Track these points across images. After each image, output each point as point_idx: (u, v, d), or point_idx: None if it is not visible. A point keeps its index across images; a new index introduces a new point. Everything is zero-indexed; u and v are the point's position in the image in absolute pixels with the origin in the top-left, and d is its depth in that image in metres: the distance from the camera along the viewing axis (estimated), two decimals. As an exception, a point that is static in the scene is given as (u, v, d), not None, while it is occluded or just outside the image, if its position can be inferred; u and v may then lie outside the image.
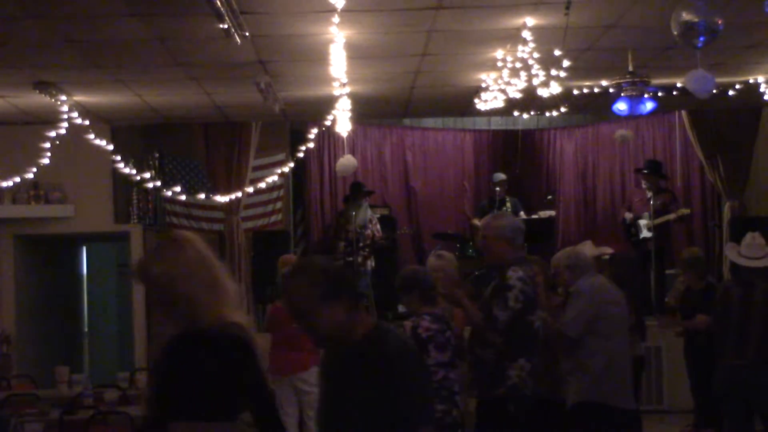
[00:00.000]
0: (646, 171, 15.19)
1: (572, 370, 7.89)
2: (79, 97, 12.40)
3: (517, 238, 7.24)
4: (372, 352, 4.27)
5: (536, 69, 10.40)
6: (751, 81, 12.75)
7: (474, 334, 7.40)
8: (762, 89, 12.87)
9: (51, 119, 12.84)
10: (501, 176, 16.29)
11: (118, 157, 13.56)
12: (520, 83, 11.16)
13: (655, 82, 11.18)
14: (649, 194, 14.95)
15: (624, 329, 8.07)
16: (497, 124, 17.22)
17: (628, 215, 15.29)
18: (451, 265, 9.01)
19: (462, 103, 13.51)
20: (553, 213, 16.37)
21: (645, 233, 14.85)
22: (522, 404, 6.99)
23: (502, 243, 7.24)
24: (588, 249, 9.46)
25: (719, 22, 7.95)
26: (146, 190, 14.46)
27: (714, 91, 9.93)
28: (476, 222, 15.87)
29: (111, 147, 13.55)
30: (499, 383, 7.01)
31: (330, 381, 4.49)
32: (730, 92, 13.05)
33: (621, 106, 11.13)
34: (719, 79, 10.88)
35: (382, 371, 4.21)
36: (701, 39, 7.98)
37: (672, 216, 14.87)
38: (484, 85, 12.13)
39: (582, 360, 7.76)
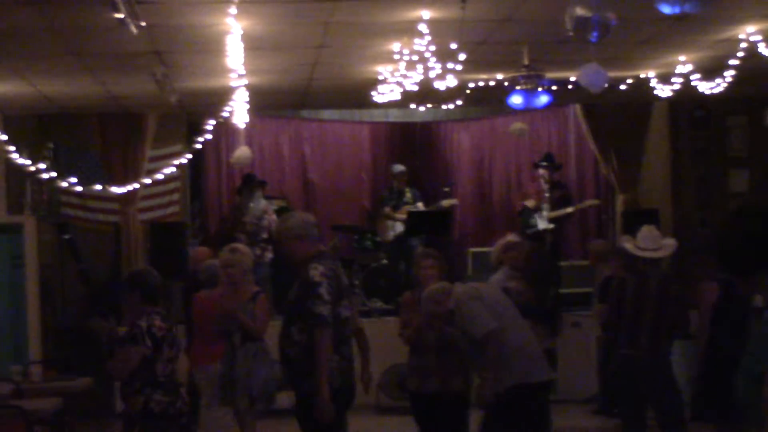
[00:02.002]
0: (545, 164, 15.30)
1: (484, 365, 7.97)
2: (-31, 87, 12.22)
3: (310, 234, 7.32)
4: None
5: (433, 62, 10.44)
6: (642, 76, 12.95)
7: (282, 333, 7.40)
8: (652, 84, 13.07)
9: (-60, 109, 12.68)
10: (400, 168, 16.35)
11: (11, 147, 13.38)
12: (417, 76, 11.20)
13: (550, 75, 11.30)
14: (546, 187, 15.10)
15: (511, 312, 8.13)
16: (395, 116, 17.23)
17: (530, 202, 15.33)
18: (246, 258, 9.18)
19: (359, 95, 13.54)
20: (456, 202, 16.48)
21: (542, 225, 15.00)
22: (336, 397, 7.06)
23: (296, 242, 7.30)
24: None
25: (612, 17, 8.06)
26: (40, 181, 14.26)
27: (606, 85, 10.06)
28: (387, 210, 15.98)
29: (4, 137, 13.36)
30: (306, 379, 7.06)
31: None
32: (622, 87, 13.25)
33: (516, 100, 11.24)
34: (611, 74, 11.01)
35: None
36: (594, 34, 8.08)
37: (571, 209, 15.05)
38: (381, 77, 12.17)
39: (489, 354, 7.84)
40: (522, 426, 7.95)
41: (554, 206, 14.94)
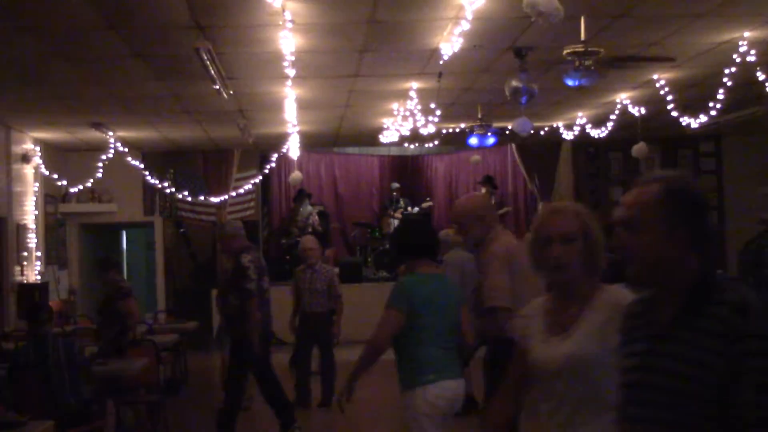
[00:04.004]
0: (483, 182, 15.38)
1: None
2: (120, 133, 12.23)
3: (239, 234, 7.36)
4: None
5: (419, 116, 10.46)
6: (554, 125, 12.97)
7: (221, 299, 7.50)
8: (561, 130, 13.08)
9: (102, 147, 12.70)
10: (397, 185, 16.58)
11: (147, 172, 13.43)
12: (409, 125, 11.22)
13: (495, 124, 11.31)
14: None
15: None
16: (394, 151, 17.20)
17: None
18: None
19: (372, 137, 13.53)
20: (432, 203, 16.67)
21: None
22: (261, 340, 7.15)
23: (231, 240, 7.35)
24: None
25: (535, 88, 8.08)
26: (165, 193, 14.31)
27: (532, 131, 10.08)
28: (388, 212, 16.05)
29: (142, 166, 13.41)
30: (239, 329, 7.11)
31: None
32: (542, 132, 13.25)
33: (473, 141, 11.22)
34: (535, 124, 11.04)
35: None
36: (524, 98, 8.09)
37: (501, 211, 15.09)
38: (385, 126, 12.18)
39: None
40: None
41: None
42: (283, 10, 6.25)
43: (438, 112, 10.04)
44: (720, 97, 9.29)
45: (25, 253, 11.73)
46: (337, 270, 9.86)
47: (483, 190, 15.34)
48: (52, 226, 13.11)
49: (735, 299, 2.11)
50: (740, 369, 2.04)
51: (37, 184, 12.44)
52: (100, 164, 12.86)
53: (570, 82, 7.21)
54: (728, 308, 2.10)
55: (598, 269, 2.80)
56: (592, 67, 6.90)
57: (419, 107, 10.06)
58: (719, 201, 15.04)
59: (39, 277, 12.05)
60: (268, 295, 7.44)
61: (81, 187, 13.33)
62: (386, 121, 11.88)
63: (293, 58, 7.48)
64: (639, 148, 11.56)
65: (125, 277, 13.64)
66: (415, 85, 9.37)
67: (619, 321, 2.42)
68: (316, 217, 15.25)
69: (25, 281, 11.49)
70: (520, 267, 4.20)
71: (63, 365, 5.99)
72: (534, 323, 2.84)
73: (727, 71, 8.50)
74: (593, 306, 2.74)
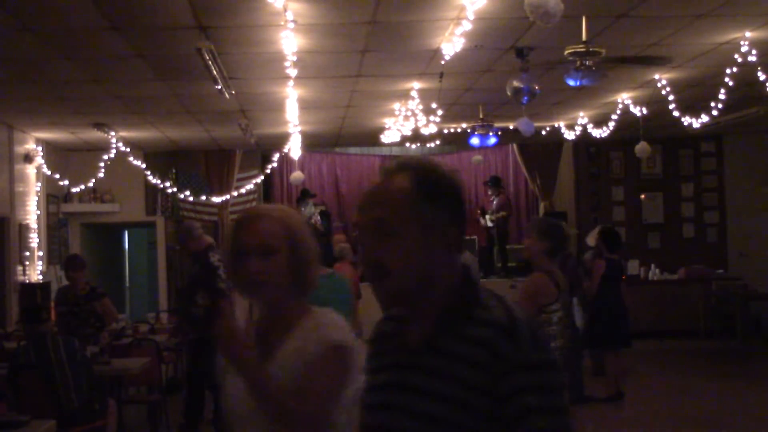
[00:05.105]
0: (489, 182, 15.34)
1: None
2: (123, 133, 12.23)
3: (203, 236, 7.51)
4: None
5: (420, 116, 10.45)
6: (556, 125, 12.95)
7: (188, 299, 7.33)
8: (562, 130, 13.07)
9: (104, 147, 12.71)
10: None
11: (148, 172, 13.42)
12: (410, 125, 11.22)
13: (497, 125, 11.30)
14: (492, 198, 15.11)
15: None
16: (396, 151, 17.17)
17: (482, 220, 15.28)
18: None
19: (373, 137, 13.53)
20: None
21: (488, 224, 15.06)
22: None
23: (198, 240, 7.55)
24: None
25: (537, 88, 8.07)
26: (167, 193, 14.31)
27: (533, 131, 10.08)
28: None
29: (144, 166, 13.39)
30: (206, 328, 7.02)
31: None
32: (543, 132, 13.24)
33: (475, 141, 11.21)
34: (536, 124, 11.04)
35: None
36: (525, 98, 8.08)
37: (503, 213, 15.07)
38: (387, 126, 12.17)
39: None
40: None
41: (494, 212, 14.97)
42: (285, 11, 6.24)
43: (439, 112, 10.04)
44: (721, 97, 9.28)
45: (27, 253, 11.73)
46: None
47: (489, 191, 15.33)
48: (54, 226, 13.12)
49: (502, 318, 1.64)
50: (513, 411, 1.57)
51: (40, 184, 12.45)
52: (102, 164, 12.87)
53: (571, 82, 7.21)
54: (493, 330, 1.62)
55: (308, 287, 2.31)
56: (593, 68, 6.90)
57: (421, 107, 10.06)
58: (720, 201, 15.04)
59: (41, 277, 12.05)
60: (233, 297, 7.41)
61: (83, 186, 13.33)
62: (388, 121, 11.87)
63: (295, 59, 7.48)
64: (641, 148, 11.55)
65: (127, 276, 13.71)
66: (416, 85, 9.37)
67: (316, 354, 2.05)
68: (318, 217, 15.25)
69: (27, 281, 11.49)
70: None
71: (64, 364, 5.99)
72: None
73: (728, 71, 8.50)
74: (294, 335, 2.24)
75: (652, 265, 14.44)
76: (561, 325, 4.79)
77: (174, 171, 14.67)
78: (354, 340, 2.21)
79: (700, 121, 10.29)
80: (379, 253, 1.71)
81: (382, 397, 1.74)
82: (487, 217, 15.07)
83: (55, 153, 13.12)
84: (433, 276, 1.72)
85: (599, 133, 12.55)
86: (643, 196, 15.10)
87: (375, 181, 1.79)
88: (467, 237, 13.39)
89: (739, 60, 8.09)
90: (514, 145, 15.72)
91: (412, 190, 1.72)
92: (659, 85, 9.60)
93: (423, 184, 1.72)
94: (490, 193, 15.34)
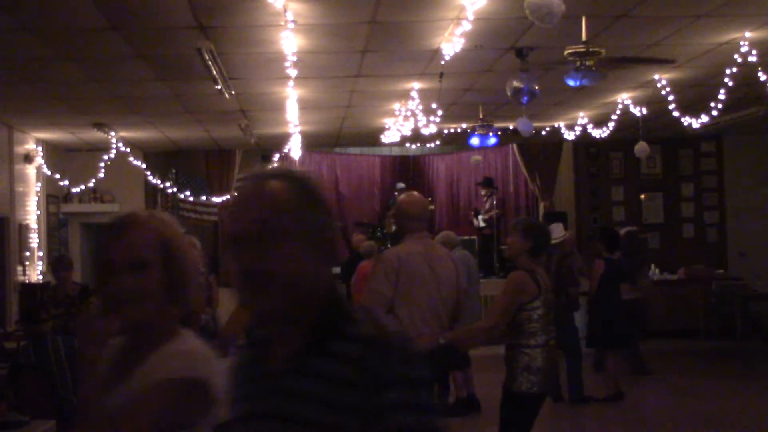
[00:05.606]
0: (482, 183, 15.38)
1: None
2: (122, 133, 12.23)
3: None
4: None
5: (420, 116, 10.45)
6: (556, 125, 12.95)
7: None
8: (562, 131, 13.06)
9: (104, 147, 12.69)
10: (401, 185, 16.49)
11: (149, 173, 13.41)
12: (410, 125, 11.21)
13: (497, 125, 11.30)
14: (485, 198, 15.20)
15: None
16: (396, 151, 17.21)
17: (475, 221, 15.38)
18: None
19: (373, 137, 13.53)
20: (433, 206, 16.58)
21: (480, 224, 15.11)
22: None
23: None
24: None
25: (537, 88, 8.07)
26: (167, 193, 14.30)
27: (533, 131, 10.08)
28: (390, 212, 16.04)
29: (144, 166, 13.39)
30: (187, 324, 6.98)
31: None
32: (543, 132, 13.24)
33: (474, 141, 11.22)
34: (536, 124, 11.05)
35: None
36: (525, 99, 8.08)
37: (494, 212, 15.08)
38: (387, 126, 12.17)
39: None
40: None
41: (487, 212, 14.99)
42: (285, 11, 6.24)
43: (439, 112, 10.03)
44: (721, 97, 9.28)
45: (27, 253, 11.73)
46: (338, 270, 9.91)
47: (483, 192, 15.36)
48: (54, 226, 13.11)
49: (370, 332, 1.56)
50: (384, 431, 1.50)
51: (39, 184, 12.45)
52: (102, 164, 12.86)
53: (571, 83, 7.21)
54: (362, 345, 1.54)
55: (183, 307, 2.09)
56: (593, 68, 6.89)
57: (421, 107, 10.05)
58: (720, 201, 15.04)
59: (41, 277, 12.04)
60: (217, 295, 7.30)
61: (83, 187, 13.32)
62: (388, 122, 11.87)
63: (295, 59, 7.48)
64: (641, 148, 11.55)
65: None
66: (416, 85, 9.36)
67: (153, 383, 1.87)
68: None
69: (27, 281, 11.49)
70: (410, 274, 4.54)
71: (64, 364, 5.99)
72: (102, 367, 2.03)
73: (728, 71, 8.50)
74: (150, 359, 2.01)
75: (652, 266, 14.44)
76: (542, 322, 4.90)
77: (174, 171, 14.67)
78: (212, 373, 1.97)
79: (700, 121, 10.29)
80: (263, 260, 1.59)
81: (244, 429, 1.64)
82: (480, 217, 15.12)
83: (55, 153, 13.12)
84: (314, 288, 1.63)
85: (599, 133, 12.55)
86: (643, 196, 15.10)
87: (247, 188, 1.67)
88: (467, 237, 13.43)
89: (739, 60, 8.09)
90: (514, 145, 15.72)
91: (294, 193, 1.65)
92: (659, 85, 9.60)
93: (302, 190, 1.67)
94: (483, 193, 15.40)
